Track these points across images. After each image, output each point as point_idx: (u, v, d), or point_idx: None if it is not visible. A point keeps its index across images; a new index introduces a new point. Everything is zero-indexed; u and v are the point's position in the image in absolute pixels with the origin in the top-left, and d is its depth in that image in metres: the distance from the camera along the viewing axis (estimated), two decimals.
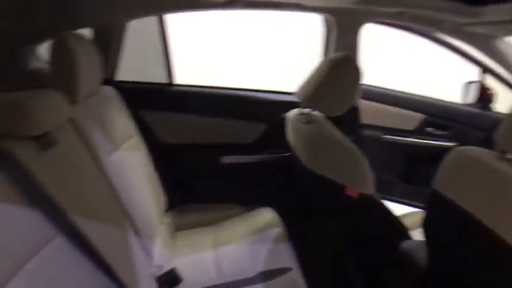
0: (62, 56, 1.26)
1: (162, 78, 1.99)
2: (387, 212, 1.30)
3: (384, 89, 2.15)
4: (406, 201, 2.18)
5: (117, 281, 1.02)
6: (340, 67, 1.34)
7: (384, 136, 2.15)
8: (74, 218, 0.94)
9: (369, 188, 1.25)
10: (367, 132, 2.11)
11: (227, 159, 1.90)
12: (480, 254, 0.96)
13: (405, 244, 1.28)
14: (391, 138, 2.14)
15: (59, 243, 0.89)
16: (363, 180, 1.24)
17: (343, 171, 1.26)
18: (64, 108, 1.06)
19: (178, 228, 1.74)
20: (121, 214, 1.27)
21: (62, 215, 0.91)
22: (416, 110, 2.11)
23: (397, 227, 1.31)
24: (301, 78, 1.48)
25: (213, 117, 1.91)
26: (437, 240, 1.09)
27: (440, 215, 1.03)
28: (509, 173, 0.85)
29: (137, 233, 1.33)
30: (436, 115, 2.11)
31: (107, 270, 1.01)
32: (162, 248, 1.53)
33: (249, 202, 1.83)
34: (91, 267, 0.96)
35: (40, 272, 0.80)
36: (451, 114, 2.11)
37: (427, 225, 1.10)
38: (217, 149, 1.92)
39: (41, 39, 1.77)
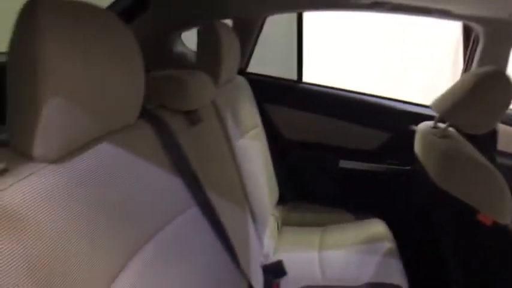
0: (210, 41, 1.35)
1: (289, 75, 2.04)
2: None
3: None
4: None
5: (235, 260, 1.07)
6: (489, 82, 1.23)
7: None
8: (207, 192, 1.00)
9: (507, 217, 1.14)
10: (501, 160, 1.93)
11: (344, 164, 1.88)
12: None
13: None
14: None
15: (193, 213, 0.95)
16: (501, 208, 1.13)
17: (480, 194, 1.16)
18: (212, 89, 1.14)
19: (285, 223, 1.77)
20: (243, 197, 1.32)
21: (198, 187, 0.97)
22: None
23: None
24: (430, 90, 1.40)
25: (336, 119, 1.89)
26: None
27: None
28: None
29: (253, 218, 1.37)
30: None
31: (228, 247, 1.05)
32: (269, 238, 1.57)
33: (360, 211, 1.78)
34: (216, 242, 1.01)
35: (173, 239, 0.85)
36: None
37: None
38: (336, 152, 1.90)
39: (188, 27, 1.92)
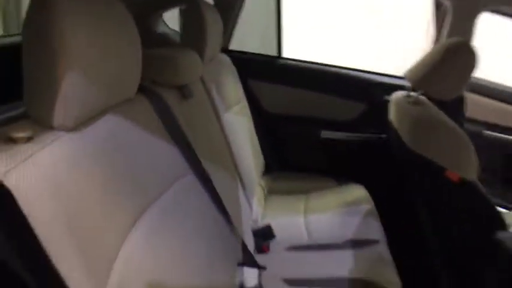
0: (194, 20, 1.42)
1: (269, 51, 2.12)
2: (487, 200, 1.30)
3: (491, 82, 2.07)
4: (503, 202, 2.11)
5: (229, 222, 1.17)
6: (455, 52, 1.35)
7: (485, 132, 2.08)
8: (201, 160, 1.09)
9: (472, 173, 1.26)
10: (467, 126, 2.06)
11: (325, 134, 1.98)
12: None
13: (502, 234, 1.28)
14: (493, 135, 2.07)
15: (189, 179, 1.04)
16: (466, 165, 1.26)
17: (448, 153, 1.28)
18: (200, 65, 1.22)
19: (272, 191, 1.87)
20: (232, 167, 1.42)
21: (193, 156, 1.06)
22: None
23: (495, 216, 1.31)
24: (407, 61, 1.50)
25: (317, 92, 1.99)
26: None
27: None
28: None
29: (242, 185, 1.47)
30: None
31: (222, 211, 1.15)
32: (257, 206, 1.67)
33: (342, 177, 1.90)
34: (211, 206, 1.11)
35: (174, 203, 0.94)
36: None
37: None
38: (317, 123, 2.00)
39: (169, 7, 1.97)
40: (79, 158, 0.65)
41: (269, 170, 1.96)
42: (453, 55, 1.34)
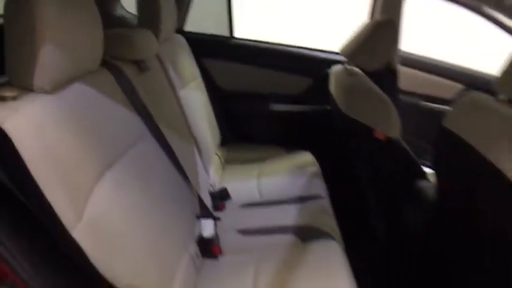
0: (149, 2, 1.55)
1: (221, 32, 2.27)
2: (409, 155, 1.52)
3: (425, 57, 2.30)
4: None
5: (187, 181, 1.33)
6: (381, 29, 1.55)
7: (421, 103, 2.31)
8: (159, 125, 1.24)
9: (395, 131, 1.47)
10: (405, 98, 2.28)
11: (275, 107, 2.17)
12: (482, 187, 1.15)
13: (422, 183, 1.51)
14: (428, 105, 2.30)
15: (150, 141, 1.19)
16: (389, 125, 1.47)
17: (373, 115, 1.49)
18: (155, 42, 1.36)
19: (227, 161, 2.04)
20: (190, 136, 1.58)
21: (152, 122, 1.21)
22: (455, 80, 2.25)
23: (416, 168, 1.54)
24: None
25: (266, 69, 2.16)
26: (445, 173, 1.31)
27: (449, 150, 1.24)
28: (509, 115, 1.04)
29: (200, 154, 1.63)
30: (474, 86, 2.24)
31: (182, 172, 1.31)
32: (214, 173, 1.84)
33: (291, 146, 2.09)
34: (171, 167, 1.27)
35: (137, 160, 1.09)
36: (488, 85, 2.23)
37: (437, 160, 1.32)
38: (267, 97, 2.18)
39: None
40: (57, 114, 0.80)
41: (225, 142, 2.12)
42: (379, 31, 1.54)
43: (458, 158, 1.22)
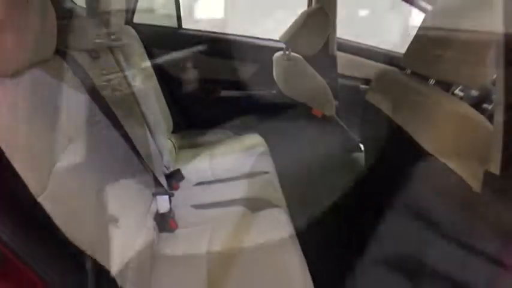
0: None
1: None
2: (344, 130, 1.70)
3: (362, 44, 2.50)
4: None
5: (142, 164, 1.43)
6: (314, 18, 1.71)
7: (360, 86, 2.51)
8: (111, 106, 1.33)
9: (330, 110, 1.64)
10: (346, 81, 2.47)
11: (224, 93, 2.29)
12: (398, 155, 1.32)
13: (355, 155, 1.69)
14: (366, 88, 2.50)
15: (105, 122, 1.28)
16: (325, 104, 1.64)
17: (311, 95, 1.65)
18: (104, 32, 1.45)
19: (181, 147, 2.15)
20: (143, 122, 1.67)
21: (106, 104, 1.30)
22: (388, 64, 2.46)
23: (350, 141, 1.72)
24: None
25: (215, 57, 2.28)
26: (370, 144, 1.49)
27: (371, 122, 1.42)
28: (418, 88, 1.20)
29: (153, 139, 1.73)
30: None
31: (137, 153, 1.40)
32: (168, 157, 1.94)
33: (240, 129, 2.23)
34: (126, 149, 1.36)
35: (90, 145, 1.17)
36: None
37: (362, 132, 1.50)
38: (217, 84, 2.30)
39: None
40: (17, 95, 0.89)
41: (177, 129, 2.23)
42: (311, 19, 1.70)
43: (379, 129, 1.39)
